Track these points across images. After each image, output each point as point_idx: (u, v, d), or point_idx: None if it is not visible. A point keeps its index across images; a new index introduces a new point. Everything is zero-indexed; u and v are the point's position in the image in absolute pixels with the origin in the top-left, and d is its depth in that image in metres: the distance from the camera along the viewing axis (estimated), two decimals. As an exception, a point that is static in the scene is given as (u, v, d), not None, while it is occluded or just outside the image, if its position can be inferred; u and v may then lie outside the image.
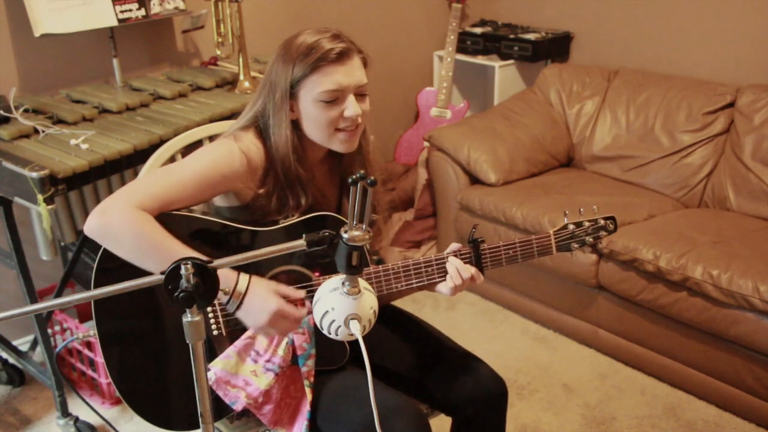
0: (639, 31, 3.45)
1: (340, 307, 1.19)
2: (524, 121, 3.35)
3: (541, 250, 1.67)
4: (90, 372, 2.61)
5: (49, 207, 1.99)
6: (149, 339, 1.54)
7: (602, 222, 1.71)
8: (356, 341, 1.19)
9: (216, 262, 1.13)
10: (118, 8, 2.59)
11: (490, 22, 4.00)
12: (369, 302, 1.22)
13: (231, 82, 2.77)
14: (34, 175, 1.96)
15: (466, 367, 1.68)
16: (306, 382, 1.55)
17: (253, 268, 1.56)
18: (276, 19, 3.31)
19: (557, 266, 2.80)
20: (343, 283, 1.20)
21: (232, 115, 2.42)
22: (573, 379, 2.70)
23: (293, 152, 1.57)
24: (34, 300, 2.30)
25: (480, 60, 3.83)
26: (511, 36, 3.70)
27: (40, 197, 1.97)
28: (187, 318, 1.12)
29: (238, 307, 1.44)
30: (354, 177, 1.11)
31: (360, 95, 1.57)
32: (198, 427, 1.24)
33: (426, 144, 3.50)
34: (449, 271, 1.59)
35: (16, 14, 2.53)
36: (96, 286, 1.47)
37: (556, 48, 3.69)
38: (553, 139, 3.34)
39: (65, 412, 2.41)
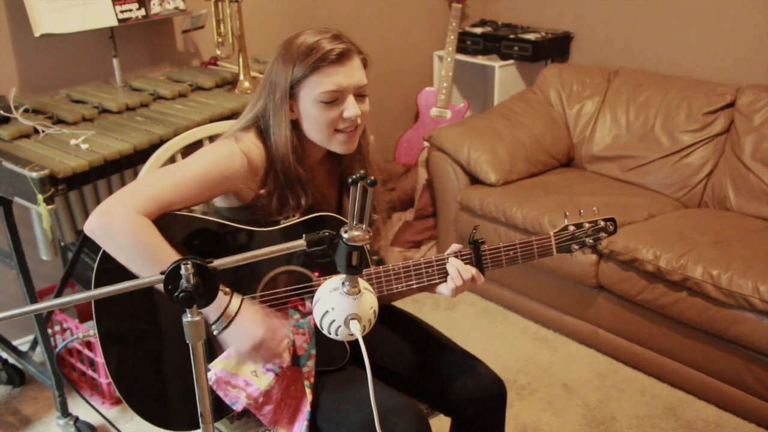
0: (639, 31, 3.45)
1: (340, 307, 1.19)
2: (524, 121, 3.35)
3: (542, 252, 1.67)
4: (90, 372, 2.61)
5: (49, 207, 1.99)
6: (149, 339, 1.54)
7: (602, 223, 1.72)
8: (356, 341, 1.19)
9: (216, 262, 1.13)
10: (118, 8, 2.59)
11: (490, 22, 4.00)
12: (369, 302, 1.22)
13: (231, 82, 2.77)
14: (34, 175, 1.96)
15: (465, 368, 1.68)
16: (306, 383, 1.55)
17: (253, 269, 1.56)
18: (276, 19, 3.31)
19: (557, 266, 2.80)
20: (343, 283, 1.20)
21: (232, 115, 2.42)
22: (573, 379, 2.70)
23: (293, 152, 1.57)
24: (34, 300, 2.30)
25: (480, 60, 3.83)
26: (511, 36, 3.70)
27: (40, 197, 1.97)
28: (187, 318, 1.12)
29: (225, 328, 1.45)
30: (354, 177, 1.11)
31: (360, 96, 1.57)
32: (198, 427, 1.24)
33: (426, 144, 3.50)
34: (450, 272, 1.59)
35: (16, 14, 2.53)
36: (96, 286, 1.47)
37: (556, 48, 3.69)
38: (553, 139, 3.34)
39: (65, 412, 2.41)
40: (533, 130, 3.31)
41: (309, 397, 1.54)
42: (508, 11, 3.99)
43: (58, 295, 2.58)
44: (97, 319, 1.52)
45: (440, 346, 1.73)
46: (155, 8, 2.70)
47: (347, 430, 1.50)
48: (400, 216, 3.66)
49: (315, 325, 1.30)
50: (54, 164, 2.02)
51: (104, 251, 1.49)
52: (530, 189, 3.05)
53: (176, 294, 1.09)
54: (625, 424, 2.48)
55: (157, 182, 1.52)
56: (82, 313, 2.85)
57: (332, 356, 1.59)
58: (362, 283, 1.22)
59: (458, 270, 1.59)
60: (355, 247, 1.15)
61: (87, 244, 2.44)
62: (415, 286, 1.62)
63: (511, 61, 3.76)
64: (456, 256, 1.61)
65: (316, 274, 1.59)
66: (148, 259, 1.43)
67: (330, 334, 1.22)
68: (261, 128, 1.61)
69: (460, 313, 3.17)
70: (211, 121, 2.36)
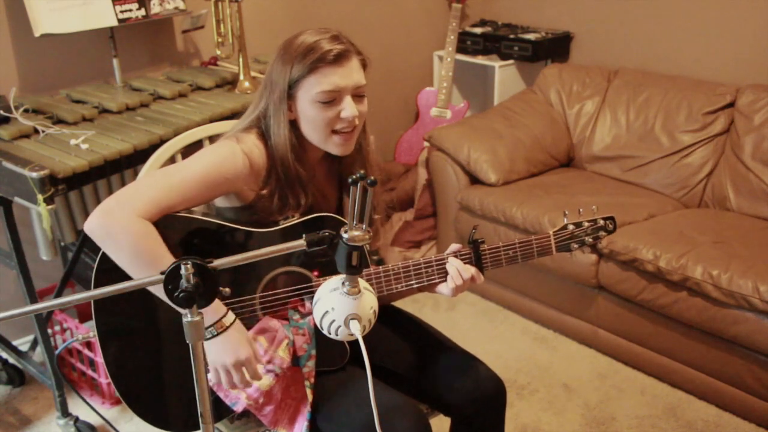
0: (639, 31, 3.45)
1: (340, 307, 1.20)
2: (524, 121, 3.35)
3: (541, 251, 1.68)
4: (90, 372, 2.61)
5: (49, 207, 1.99)
6: (149, 339, 1.54)
7: (601, 222, 1.72)
8: (356, 341, 1.19)
9: (216, 262, 1.13)
10: (118, 8, 2.59)
11: (490, 22, 4.00)
12: (369, 302, 1.22)
13: (231, 82, 2.77)
14: (34, 175, 1.96)
15: (465, 368, 1.68)
16: (306, 383, 1.55)
17: (253, 270, 1.56)
18: (276, 19, 3.31)
19: (557, 266, 2.80)
20: (343, 283, 1.20)
21: (232, 115, 2.41)
22: (573, 379, 2.70)
23: (292, 152, 1.57)
24: (34, 300, 2.30)
25: (480, 60, 3.83)
26: (511, 36, 3.70)
27: (40, 197, 1.97)
28: (187, 318, 1.12)
29: (215, 336, 1.44)
30: (354, 177, 1.11)
31: (358, 96, 1.57)
32: (197, 427, 1.24)
33: (426, 144, 3.50)
34: (449, 271, 1.59)
35: (16, 14, 2.53)
36: (96, 286, 1.47)
37: (556, 48, 3.69)
38: (553, 139, 3.34)
39: (65, 412, 2.41)
40: (533, 130, 3.31)
41: (309, 397, 1.54)
42: (508, 11, 3.99)
43: (58, 295, 2.58)
44: (97, 319, 1.52)
45: (440, 346, 1.73)
46: (155, 8, 2.70)
47: (347, 430, 1.50)
48: (400, 216, 3.66)
49: (315, 326, 1.30)
50: (54, 164, 2.02)
51: (104, 251, 1.49)
52: (530, 189, 3.05)
53: (176, 294, 1.09)
54: (625, 424, 2.48)
55: (159, 183, 1.51)
56: (82, 313, 2.85)
57: (332, 356, 1.59)
58: (362, 283, 1.22)
59: (458, 270, 1.59)
60: (355, 247, 1.15)
61: (87, 244, 2.44)
62: (414, 286, 1.62)
63: (511, 61, 3.76)
64: (455, 256, 1.61)
65: (316, 274, 1.59)
66: (146, 264, 1.43)
67: (330, 334, 1.22)
68: (262, 129, 1.61)
69: (460, 313, 3.17)
70: (211, 121, 2.36)
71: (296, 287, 1.58)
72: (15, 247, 2.23)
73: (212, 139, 1.96)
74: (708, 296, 2.40)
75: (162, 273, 1.10)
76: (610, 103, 3.32)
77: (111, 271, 1.49)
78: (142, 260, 1.43)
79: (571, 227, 1.70)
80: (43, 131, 2.23)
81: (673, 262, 2.47)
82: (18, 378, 2.70)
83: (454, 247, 1.63)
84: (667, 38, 3.36)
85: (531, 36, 3.66)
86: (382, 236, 1.83)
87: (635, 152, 3.18)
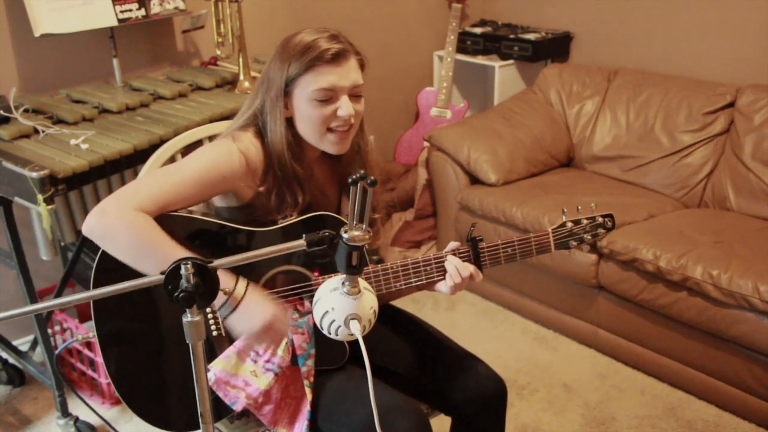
0: (639, 31, 3.45)
1: (340, 307, 1.20)
2: (524, 121, 3.35)
3: (540, 248, 1.68)
4: (90, 372, 2.61)
5: (49, 207, 1.99)
6: (149, 339, 1.54)
7: (600, 219, 1.72)
8: (356, 341, 1.19)
9: (216, 262, 1.13)
10: (118, 8, 2.59)
11: (490, 22, 4.00)
12: (369, 302, 1.22)
13: (231, 82, 2.77)
14: (34, 175, 1.96)
15: (465, 367, 1.68)
16: (306, 382, 1.55)
17: (252, 269, 1.56)
18: (276, 19, 3.31)
19: (557, 266, 2.80)
20: (343, 283, 1.20)
21: (232, 115, 2.40)
22: (573, 379, 2.70)
23: (288, 149, 1.58)
24: (34, 300, 2.30)
25: (480, 60, 3.83)
26: (511, 36, 3.70)
27: (40, 197, 1.97)
28: (187, 318, 1.12)
29: (232, 311, 1.44)
30: (354, 177, 1.11)
31: (355, 96, 1.57)
32: (197, 427, 1.24)
33: (426, 144, 3.50)
34: (448, 269, 1.59)
35: (16, 14, 2.53)
36: (95, 286, 1.48)
37: (556, 48, 3.69)
38: (553, 139, 3.34)
39: (65, 412, 2.41)
40: (533, 130, 3.31)
41: (309, 396, 1.54)
42: (508, 11, 3.99)
43: (58, 295, 2.58)
44: (96, 319, 1.52)
45: (440, 346, 1.73)
46: (155, 8, 2.70)
47: (347, 430, 1.50)
48: (400, 216, 3.66)
49: (314, 325, 1.30)
50: (54, 164, 2.02)
51: (103, 251, 1.49)
52: (530, 189, 3.05)
53: (176, 294, 1.09)
54: (625, 424, 2.48)
55: (156, 182, 1.52)
56: (82, 313, 2.85)
57: (332, 356, 1.59)
58: (362, 283, 1.22)
59: (456, 268, 1.59)
60: (355, 247, 1.15)
61: (87, 244, 2.44)
62: (414, 285, 1.62)
63: (511, 61, 3.76)
64: (454, 254, 1.61)
65: (316, 273, 1.59)
66: (149, 254, 1.43)
67: (330, 334, 1.22)
68: (259, 126, 1.61)
69: (460, 313, 3.17)
70: (211, 121, 2.36)
71: (295, 286, 1.58)
72: (15, 247, 2.23)
73: (212, 139, 1.96)
74: (708, 296, 2.40)
75: (162, 273, 1.10)
76: (610, 103, 3.33)
77: (111, 271, 1.49)
78: (145, 250, 1.43)
79: (569, 225, 1.70)
80: (43, 131, 2.23)
81: (673, 262, 2.47)
82: (18, 378, 2.70)
83: (453, 245, 1.63)
84: (667, 38, 3.36)
85: (531, 36, 3.66)
86: (382, 235, 1.83)
87: (635, 152, 3.18)
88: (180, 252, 1.44)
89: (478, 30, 3.87)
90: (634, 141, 3.19)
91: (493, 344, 2.93)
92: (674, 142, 3.08)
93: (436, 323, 1.82)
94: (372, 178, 1.10)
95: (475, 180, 3.17)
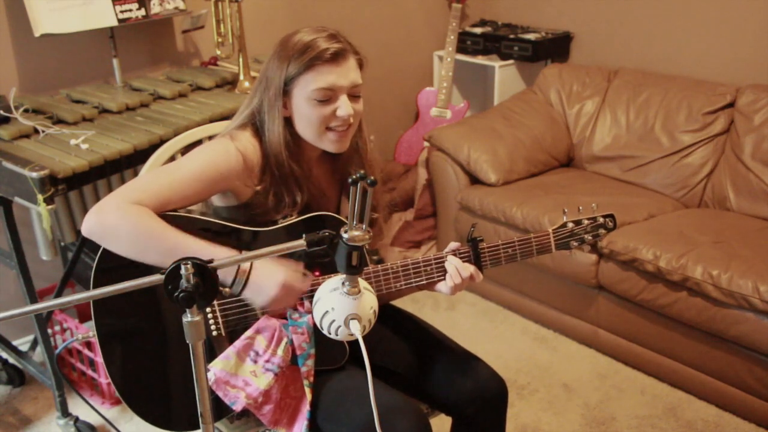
0: (639, 31, 3.45)
1: (340, 307, 1.20)
2: (524, 121, 3.35)
3: (540, 249, 1.67)
4: (90, 372, 2.61)
5: (49, 207, 1.99)
6: (149, 339, 1.54)
7: (601, 220, 1.71)
8: (356, 341, 1.19)
9: (216, 262, 1.13)
10: (118, 8, 2.59)
11: (490, 22, 4.00)
12: (369, 302, 1.22)
13: (231, 82, 2.77)
14: (34, 175, 1.96)
15: (466, 367, 1.68)
16: (305, 382, 1.55)
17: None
18: (276, 20, 3.31)
19: (557, 266, 2.80)
20: (343, 283, 1.20)
21: (232, 116, 2.39)
22: (573, 379, 2.70)
23: (285, 148, 1.58)
24: (34, 300, 2.30)
25: (480, 60, 3.83)
26: (511, 36, 3.70)
27: (40, 197, 1.97)
28: (187, 318, 1.12)
29: (244, 286, 1.44)
30: (354, 177, 1.11)
31: (353, 96, 1.57)
32: (198, 427, 1.24)
33: (426, 144, 3.50)
34: (448, 270, 1.59)
35: (16, 14, 2.53)
36: (95, 286, 1.47)
37: (556, 48, 3.69)
38: (553, 139, 3.34)
39: (65, 412, 2.41)
40: (533, 130, 3.31)
41: (309, 396, 1.54)
42: (508, 11, 3.99)
43: (58, 295, 2.58)
44: (96, 319, 1.52)
45: (440, 346, 1.73)
46: (155, 8, 2.70)
47: (347, 430, 1.50)
48: (400, 216, 3.66)
49: (314, 325, 1.30)
50: (54, 164, 2.02)
51: (104, 250, 1.49)
52: (530, 189, 3.05)
53: (176, 294, 1.09)
54: (625, 424, 2.48)
55: (154, 180, 1.52)
56: (82, 313, 2.85)
57: (331, 356, 1.59)
58: (362, 283, 1.22)
59: (457, 268, 1.59)
60: (355, 247, 1.15)
61: (87, 244, 2.44)
62: (414, 285, 1.62)
63: (511, 61, 3.76)
64: (454, 254, 1.61)
65: (316, 273, 1.59)
66: (150, 241, 1.43)
67: (330, 334, 1.22)
68: (257, 125, 1.61)
69: (460, 313, 3.17)
70: (211, 121, 2.36)
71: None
72: (15, 247, 2.23)
73: (212, 139, 1.96)
74: (708, 296, 2.40)
75: (162, 273, 1.10)
76: (610, 103, 3.32)
77: (111, 271, 1.49)
78: (144, 238, 1.43)
79: (570, 225, 1.69)
80: (43, 131, 2.23)
81: (673, 262, 2.47)
82: (18, 378, 2.70)
83: (453, 245, 1.63)
84: (667, 38, 3.36)
85: (531, 36, 3.66)
86: (385, 234, 1.83)
87: (635, 152, 3.18)
88: (182, 237, 1.44)
89: (478, 30, 3.87)
90: (634, 141, 3.19)
91: (493, 344, 2.93)
92: (674, 142, 3.08)
93: (436, 323, 1.82)
94: (372, 177, 1.10)
95: (475, 180, 3.17)
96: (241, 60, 2.69)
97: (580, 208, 1.73)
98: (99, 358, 2.49)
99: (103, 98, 2.50)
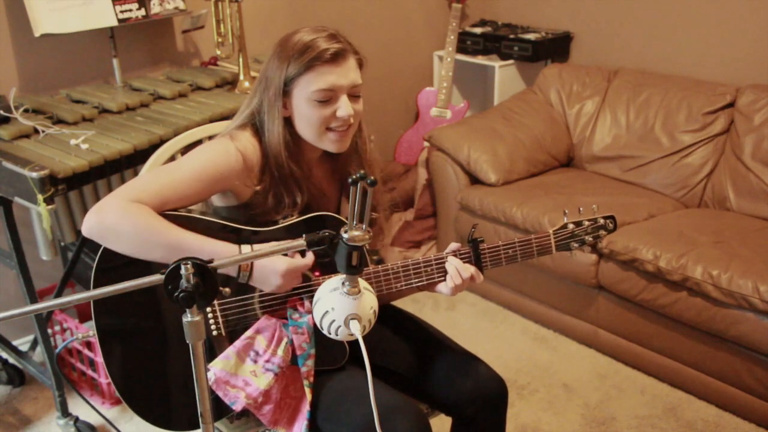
0: (639, 31, 3.45)
1: (340, 307, 1.20)
2: (524, 121, 3.35)
3: (541, 250, 1.67)
4: (90, 372, 2.61)
5: (49, 207, 1.99)
6: (149, 339, 1.54)
7: (602, 221, 1.72)
8: (356, 341, 1.19)
9: (216, 262, 1.13)
10: (118, 8, 2.59)
11: (490, 22, 4.00)
12: (369, 302, 1.22)
13: (231, 82, 2.77)
14: (34, 175, 1.96)
15: (466, 367, 1.68)
16: (305, 382, 1.55)
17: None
18: (276, 20, 3.31)
19: (557, 266, 2.80)
20: (343, 283, 1.20)
21: (232, 116, 2.39)
22: (573, 379, 2.70)
23: (285, 149, 1.58)
24: (34, 300, 2.30)
25: (480, 60, 3.83)
26: (511, 36, 3.70)
27: (40, 197, 1.97)
28: (187, 318, 1.12)
29: (249, 278, 1.48)
30: (354, 177, 1.11)
31: (353, 96, 1.57)
32: (198, 427, 1.24)
33: (426, 144, 3.50)
34: (449, 270, 1.59)
35: (16, 14, 2.54)
36: (95, 286, 1.47)
37: (556, 48, 3.69)
38: (553, 139, 3.34)
39: (65, 412, 2.41)
40: (533, 130, 3.31)
41: (308, 396, 1.54)
42: (508, 11, 3.99)
43: (58, 295, 2.58)
44: (96, 318, 1.52)
45: (440, 346, 1.73)
46: (155, 8, 2.70)
47: (347, 430, 1.50)
48: (400, 216, 3.66)
49: (314, 325, 1.30)
50: (54, 164, 2.02)
51: (104, 250, 1.49)
52: (530, 189, 3.05)
53: (176, 294, 1.09)
54: (625, 424, 2.48)
55: (154, 179, 1.52)
56: (82, 313, 2.85)
57: (332, 356, 1.59)
58: (362, 283, 1.22)
59: (457, 269, 1.59)
60: (355, 247, 1.15)
61: (87, 244, 2.44)
62: (414, 285, 1.62)
63: (511, 61, 3.76)
64: (455, 255, 1.61)
65: (316, 273, 1.59)
66: (152, 238, 1.43)
67: (330, 334, 1.22)
68: (257, 126, 1.61)
69: (460, 313, 3.17)
70: (211, 121, 2.36)
71: (296, 286, 1.58)
72: (15, 247, 2.23)
73: (212, 139, 1.96)
74: (708, 296, 2.40)
75: (162, 273, 1.10)
76: (610, 103, 3.32)
77: (111, 271, 1.49)
78: (146, 236, 1.43)
79: (571, 226, 1.70)
80: (43, 131, 2.23)
81: (673, 262, 2.47)
82: (18, 378, 2.70)
83: (454, 246, 1.63)
84: (667, 38, 3.36)
85: (531, 36, 3.66)
86: (387, 234, 1.83)
87: (635, 152, 3.17)
88: (184, 234, 1.45)
89: (478, 30, 3.87)
90: (634, 141, 3.19)
91: (493, 344, 2.93)
92: (674, 142, 3.08)
93: (436, 323, 1.82)
94: (372, 177, 1.10)
95: (475, 180, 3.17)
96: (241, 60, 2.70)
97: (581, 209, 1.73)
98: (99, 358, 2.49)
99: (103, 98, 2.50)
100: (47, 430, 2.49)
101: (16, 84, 2.60)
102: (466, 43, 3.85)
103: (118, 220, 1.43)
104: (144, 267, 1.47)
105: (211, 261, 1.12)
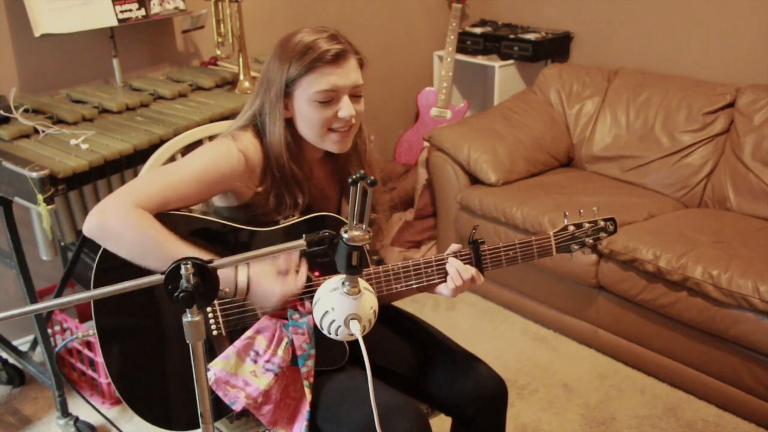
0: (639, 31, 3.45)
1: (340, 307, 1.19)
2: (524, 121, 3.35)
3: (541, 252, 1.67)
4: (90, 372, 2.61)
5: (49, 207, 1.99)
6: (149, 339, 1.54)
7: (602, 223, 1.71)
8: (356, 341, 1.19)
9: (216, 262, 1.13)
10: (118, 8, 2.59)
11: (490, 22, 4.00)
12: (369, 302, 1.22)
13: (231, 82, 2.77)
14: (34, 175, 1.96)
15: (466, 367, 1.68)
16: (305, 383, 1.54)
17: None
18: (276, 20, 3.31)
19: (557, 266, 2.80)
20: (343, 283, 1.20)
21: (232, 115, 2.41)
22: (573, 379, 2.70)
23: (287, 150, 1.58)
24: (34, 300, 2.30)
25: (480, 60, 3.83)
26: (511, 36, 3.70)
27: (40, 197, 1.97)
28: (187, 318, 1.12)
29: (246, 297, 1.49)
30: (354, 177, 1.11)
31: (355, 96, 1.57)
32: (198, 427, 1.24)
33: (426, 144, 3.50)
34: (449, 272, 1.59)
35: (16, 14, 2.53)
36: (96, 286, 1.47)
37: (556, 48, 3.69)
38: (553, 139, 3.34)
39: (65, 412, 2.41)
40: (533, 130, 3.31)
41: (308, 397, 1.54)
42: (508, 11, 3.99)
43: (58, 295, 2.58)
44: (96, 318, 1.52)
45: (441, 346, 1.73)
46: (155, 8, 2.70)
47: (347, 430, 1.50)
48: (400, 216, 3.66)
49: (314, 325, 1.30)
50: (54, 164, 2.02)
51: (104, 251, 1.49)
52: (530, 189, 3.05)
53: (176, 294, 1.09)
54: (625, 424, 2.48)
55: (155, 180, 1.52)
56: (82, 313, 2.85)
57: (332, 356, 1.59)
58: (362, 283, 1.22)
59: (458, 270, 1.59)
60: (355, 247, 1.15)
61: (87, 244, 2.44)
62: (414, 286, 1.62)
63: (511, 61, 3.76)
64: (455, 256, 1.61)
65: (316, 273, 1.59)
66: (151, 249, 1.43)
67: (330, 334, 1.22)
68: (258, 126, 1.61)
69: (460, 313, 3.17)
70: (211, 121, 2.36)
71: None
72: (15, 247, 2.23)
73: (212, 139, 1.96)
74: (708, 296, 2.40)
75: (162, 273, 1.10)
76: (610, 103, 3.33)
77: (111, 271, 1.49)
78: (145, 245, 1.43)
79: (571, 228, 1.69)
80: (43, 131, 2.23)
81: (673, 262, 2.47)
82: (18, 378, 2.70)
83: (454, 247, 1.63)
84: (667, 38, 3.36)
85: (531, 36, 3.66)
86: (387, 234, 1.83)
87: (635, 152, 3.17)
88: (182, 246, 1.45)
89: (478, 30, 3.87)
90: (634, 141, 3.19)
91: (493, 344, 2.93)
92: (674, 142, 3.08)
93: (436, 323, 1.82)
94: (372, 177, 1.10)
95: (475, 180, 3.17)
96: (241, 60, 2.69)
97: (581, 211, 1.73)
98: (99, 358, 2.49)
99: (103, 98, 2.50)
100: (47, 430, 2.49)
101: (16, 84, 2.60)
102: (466, 43, 3.85)
103: (119, 225, 1.44)
104: (144, 267, 1.47)
105: (211, 261, 1.12)
